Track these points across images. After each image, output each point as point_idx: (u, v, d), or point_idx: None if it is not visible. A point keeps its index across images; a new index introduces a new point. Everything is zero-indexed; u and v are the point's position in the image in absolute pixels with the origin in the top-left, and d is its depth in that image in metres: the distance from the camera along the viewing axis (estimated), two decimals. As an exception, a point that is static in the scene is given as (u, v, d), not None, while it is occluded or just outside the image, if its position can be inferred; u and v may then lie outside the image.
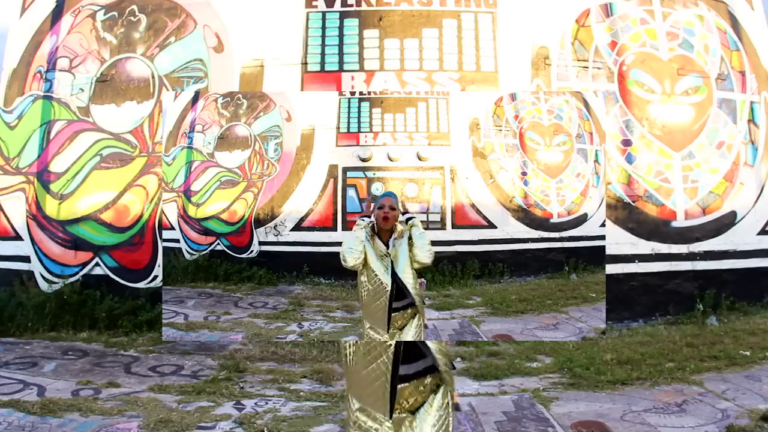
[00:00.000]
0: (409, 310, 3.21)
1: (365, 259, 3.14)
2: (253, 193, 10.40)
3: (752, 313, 7.17)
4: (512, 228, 10.27)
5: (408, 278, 3.16)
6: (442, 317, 7.43)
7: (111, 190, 7.69)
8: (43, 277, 7.48)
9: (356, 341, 2.24)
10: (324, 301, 8.26)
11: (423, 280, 3.35)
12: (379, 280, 3.15)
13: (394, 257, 3.14)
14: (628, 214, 7.55)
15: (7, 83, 8.00)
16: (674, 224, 7.62)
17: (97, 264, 7.52)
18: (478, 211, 10.15)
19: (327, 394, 4.64)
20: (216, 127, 10.83)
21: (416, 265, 3.21)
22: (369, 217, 3.27)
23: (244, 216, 10.31)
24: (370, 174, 10.25)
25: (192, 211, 10.74)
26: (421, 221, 3.30)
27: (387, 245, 3.19)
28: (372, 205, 3.25)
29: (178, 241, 10.52)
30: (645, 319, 7.21)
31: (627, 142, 7.73)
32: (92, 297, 7.06)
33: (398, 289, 3.15)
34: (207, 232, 10.59)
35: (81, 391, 4.76)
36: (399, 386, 2.09)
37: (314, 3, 8.74)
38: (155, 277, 7.51)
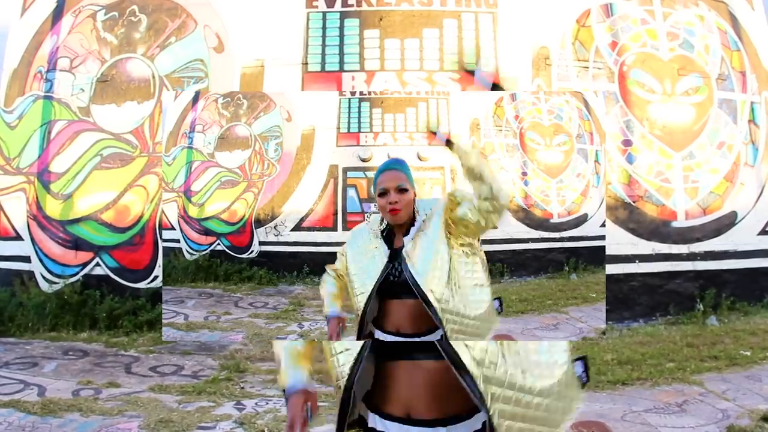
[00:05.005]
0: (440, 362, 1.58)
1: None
2: (253, 193, 10.40)
3: (752, 313, 7.17)
4: (512, 228, 10.26)
5: (440, 286, 1.75)
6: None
7: (111, 190, 7.69)
8: (44, 277, 7.48)
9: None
10: (324, 301, 8.25)
11: (497, 300, 1.98)
12: (358, 294, 1.92)
13: (409, 254, 1.85)
14: (628, 214, 7.54)
15: (8, 83, 7.99)
16: (674, 224, 7.62)
17: (97, 264, 7.52)
18: (479, 211, 10.14)
19: (327, 394, 4.64)
20: (216, 127, 10.83)
21: (479, 225, 1.81)
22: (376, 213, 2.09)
23: (244, 216, 10.30)
24: (370, 174, 10.24)
25: (192, 211, 10.73)
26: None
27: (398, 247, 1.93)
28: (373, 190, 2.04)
29: (178, 241, 10.52)
30: (645, 319, 7.20)
31: (627, 142, 7.73)
32: (92, 297, 7.06)
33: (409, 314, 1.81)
34: (207, 232, 10.58)
35: (81, 391, 4.76)
36: None
37: (315, 3, 8.74)
38: (155, 277, 7.51)
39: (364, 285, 1.89)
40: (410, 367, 1.59)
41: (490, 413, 1.44)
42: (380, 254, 1.92)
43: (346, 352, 1.64)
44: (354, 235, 2.07)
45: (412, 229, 1.92)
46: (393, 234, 1.98)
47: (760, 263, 7.65)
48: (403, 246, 1.90)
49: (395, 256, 1.90)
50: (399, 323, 1.83)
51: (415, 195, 1.96)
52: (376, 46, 8.70)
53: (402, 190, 1.91)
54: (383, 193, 1.93)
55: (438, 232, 1.85)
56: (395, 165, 1.99)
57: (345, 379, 1.60)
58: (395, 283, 1.85)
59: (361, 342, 1.64)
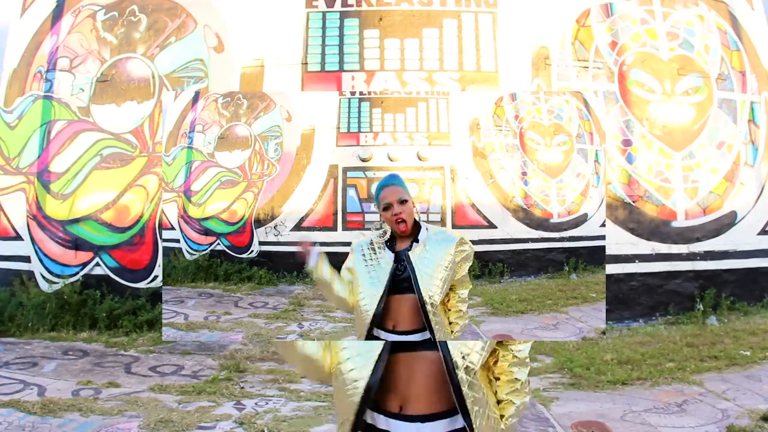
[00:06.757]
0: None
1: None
2: (253, 193, 10.40)
3: (752, 313, 7.17)
4: (512, 228, 10.26)
5: (435, 294, 2.01)
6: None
7: (111, 190, 7.69)
8: (44, 277, 7.48)
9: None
10: (324, 301, 8.26)
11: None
12: (367, 296, 2.05)
13: (416, 253, 2.09)
14: (628, 214, 7.54)
15: (8, 83, 8.00)
16: (674, 224, 7.62)
17: (97, 264, 7.52)
18: (478, 211, 10.14)
19: (327, 394, 4.64)
20: (216, 127, 10.83)
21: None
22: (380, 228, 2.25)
23: (244, 216, 10.30)
24: (370, 174, 10.24)
25: (192, 211, 10.73)
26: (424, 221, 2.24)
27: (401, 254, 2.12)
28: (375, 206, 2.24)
29: (178, 241, 10.52)
30: (645, 319, 7.21)
31: (627, 142, 7.73)
32: (92, 297, 7.07)
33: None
34: (207, 232, 10.58)
35: (81, 391, 4.76)
36: None
37: (314, 3, 8.74)
38: (155, 277, 7.51)
39: (374, 286, 2.05)
40: (409, 359, 1.66)
41: (472, 418, 1.55)
42: (385, 259, 2.11)
43: (356, 357, 1.67)
44: (357, 245, 2.25)
45: (421, 236, 2.15)
46: (395, 240, 2.19)
47: (760, 263, 7.65)
48: (407, 249, 2.12)
49: (399, 257, 2.10)
50: (397, 319, 2.02)
51: (413, 204, 2.20)
52: (376, 46, 8.70)
53: (403, 202, 2.16)
54: (387, 207, 2.16)
55: (447, 260, 2.08)
56: (393, 180, 2.24)
57: (364, 380, 1.62)
58: (400, 278, 2.04)
59: (374, 343, 1.69)
